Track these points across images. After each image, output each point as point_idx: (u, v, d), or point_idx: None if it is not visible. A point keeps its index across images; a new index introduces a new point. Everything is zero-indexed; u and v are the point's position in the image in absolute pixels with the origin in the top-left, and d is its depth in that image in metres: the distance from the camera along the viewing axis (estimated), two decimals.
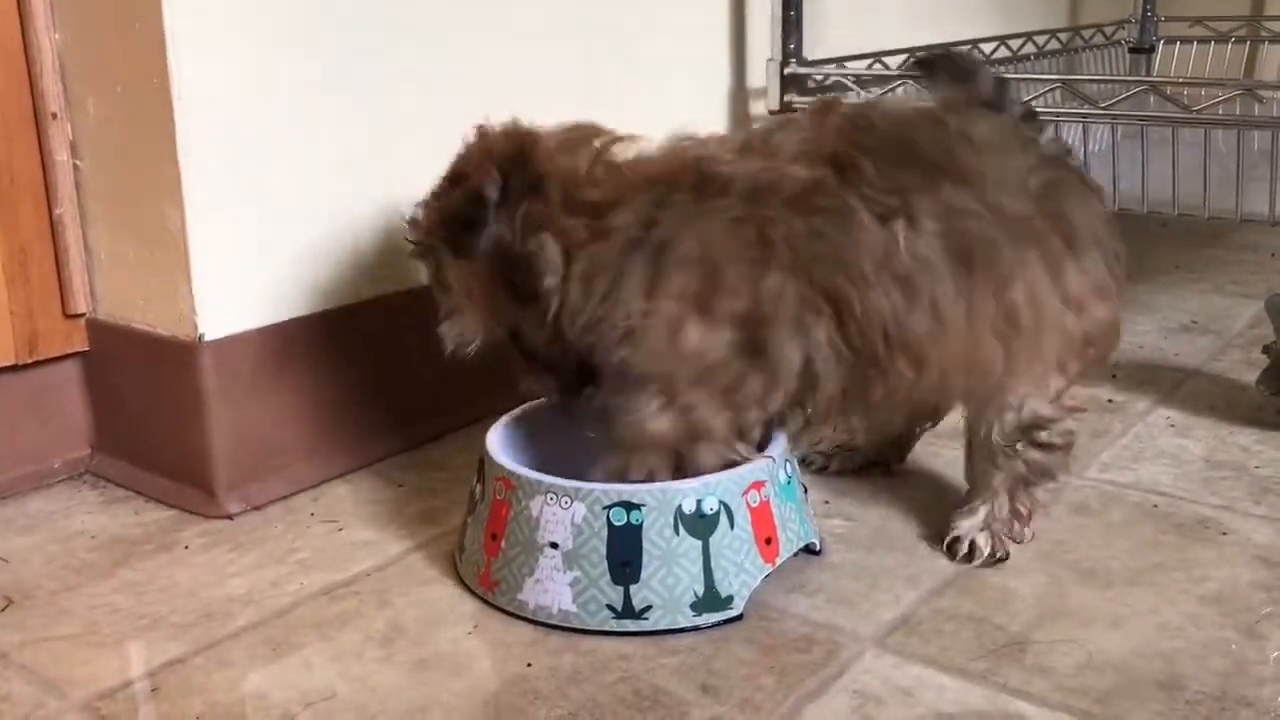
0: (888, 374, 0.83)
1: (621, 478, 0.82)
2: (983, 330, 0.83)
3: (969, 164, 0.83)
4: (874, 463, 1.05)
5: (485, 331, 0.88)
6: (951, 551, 0.90)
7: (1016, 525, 0.91)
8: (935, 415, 1.01)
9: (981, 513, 0.91)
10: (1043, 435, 0.89)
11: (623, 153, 0.86)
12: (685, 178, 0.82)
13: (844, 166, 0.81)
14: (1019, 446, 0.89)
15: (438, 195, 0.88)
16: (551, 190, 0.83)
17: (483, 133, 0.87)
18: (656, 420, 0.82)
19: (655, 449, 0.82)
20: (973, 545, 0.89)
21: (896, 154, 0.82)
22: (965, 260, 0.82)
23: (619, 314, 0.81)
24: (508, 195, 0.83)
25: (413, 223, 0.89)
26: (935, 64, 0.97)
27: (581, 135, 0.86)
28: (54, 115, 1.02)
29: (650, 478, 0.82)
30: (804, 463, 1.04)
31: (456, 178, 0.86)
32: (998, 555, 0.89)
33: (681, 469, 0.83)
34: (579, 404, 0.88)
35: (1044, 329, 0.84)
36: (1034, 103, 1.29)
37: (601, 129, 0.87)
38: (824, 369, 0.82)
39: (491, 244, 0.84)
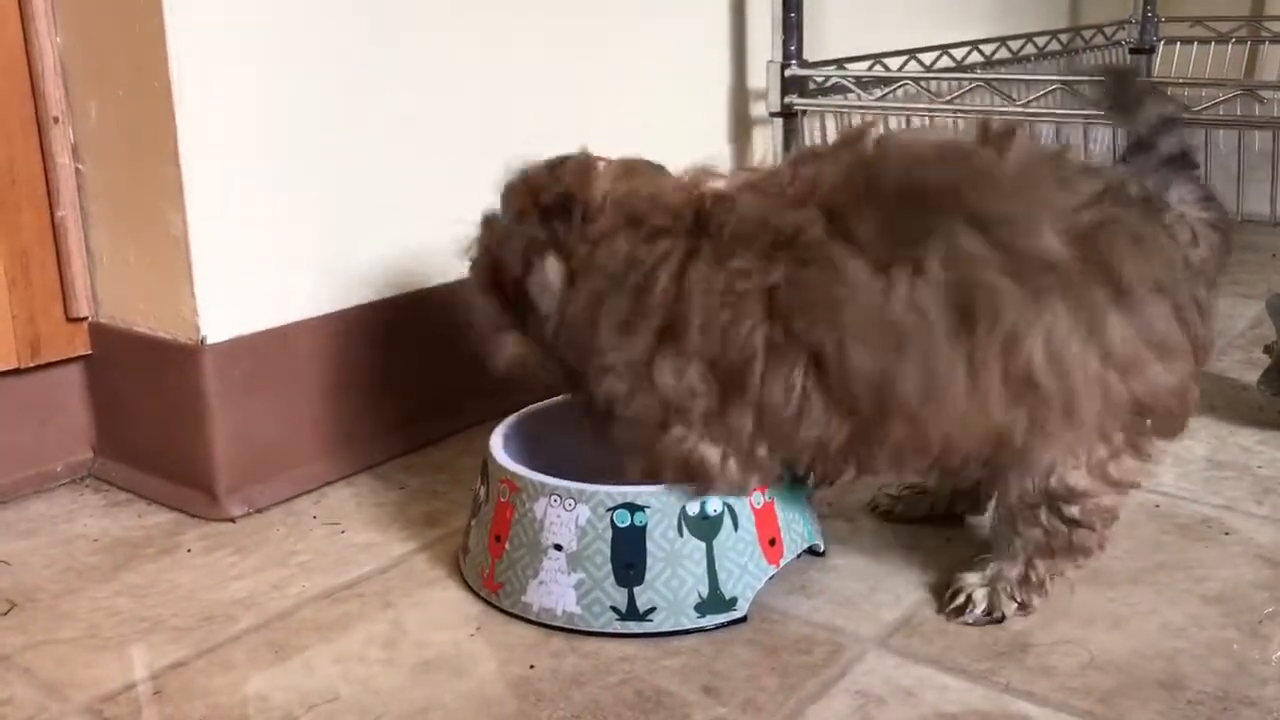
0: (883, 433, 0.76)
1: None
2: (990, 391, 0.74)
3: (988, 206, 0.74)
4: (945, 513, 0.95)
5: (533, 357, 0.86)
6: (947, 602, 0.82)
7: (1025, 592, 0.81)
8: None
9: (990, 570, 0.83)
10: (1072, 510, 0.79)
11: (645, 185, 0.83)
12: (684, 215, 0.80)
13: (837, 213, 0.76)
14: (1041, 515, 0.79)
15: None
16: (574, 247, 0.82)
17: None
18: (667, 449, 0.80)
19: (673, 477, 0.81)
20: (970, 599, 0.82)
21: (904, 197, 0.75)
22: (967, 313, 0.73)
23: (599, 347, 0.80)
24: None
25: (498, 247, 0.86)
26: (1105, 82, 0.86)
27: (630, 168, 0.85)
28: (56, 119, 1.02)
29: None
30: (871, 506, 0.98)
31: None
32: (994, 614, 0.81)
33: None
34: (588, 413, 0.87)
35: (1076, 390, 0.74)
36: (1035, 104, 1.29)
37: (653, 164, 0.86)
38: (810, 416, 0.77)
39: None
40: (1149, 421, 0.78)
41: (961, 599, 0.82)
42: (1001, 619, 0.81)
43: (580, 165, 0.84)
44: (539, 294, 0.82)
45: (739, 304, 0.76)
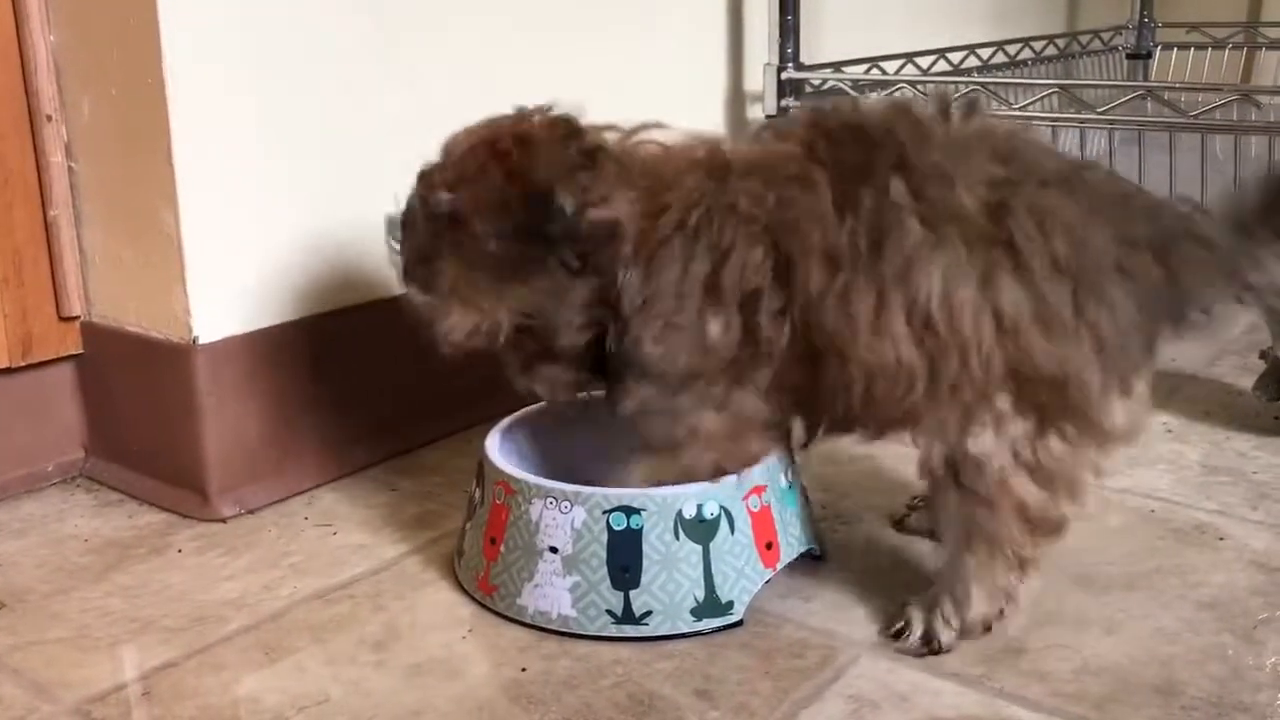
0: (825, 368, 0.77)
1: (663, 481, 0.81)
2: (893, 324, 0.74)
3: (919, 158, 0.76)
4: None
5: (490, 324, 0.82)
6: (887, 627, 0.81)
7: (960, 612, 0.79)
8: None
9: (930, 594, 0.81)
10: (978, 484, 0.76)
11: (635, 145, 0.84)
12: (701, 166, 0.81)
13: (810, 145, 0.79)
14: (952, 498, 0.77)
15: (467, 180, 0.81)
16: (606, 163, 0.80)
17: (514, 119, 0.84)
18: (707, 417, 0.80)
19: (710, 446, 0.81)
20: (908, 624, 0.80)
21: (853, 141, 0.78)
22: (878, 248, 0.75)
23: (660, 308, 0.78)
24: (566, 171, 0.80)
25: (420, 214, 0.82)
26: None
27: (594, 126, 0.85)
28: (49, 117, 1.01)
29: (715, 473, 0.81)
30: (896, 523, 0.96)
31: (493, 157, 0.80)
32: (931, 643, 0.78)
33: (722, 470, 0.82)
34: (596, 403, 0.86)
35: (968, 340, 0.73)
36: (1031, 108, 1.29)
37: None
38: (771, 341, 0.77)
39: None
40: (1058, 403, 0.75)
41: (901, 623, 0.80)
42: (939, 649, 0.78)
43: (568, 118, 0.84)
44: (624, 239, 0.78)
45: (750, 232, 0.77)
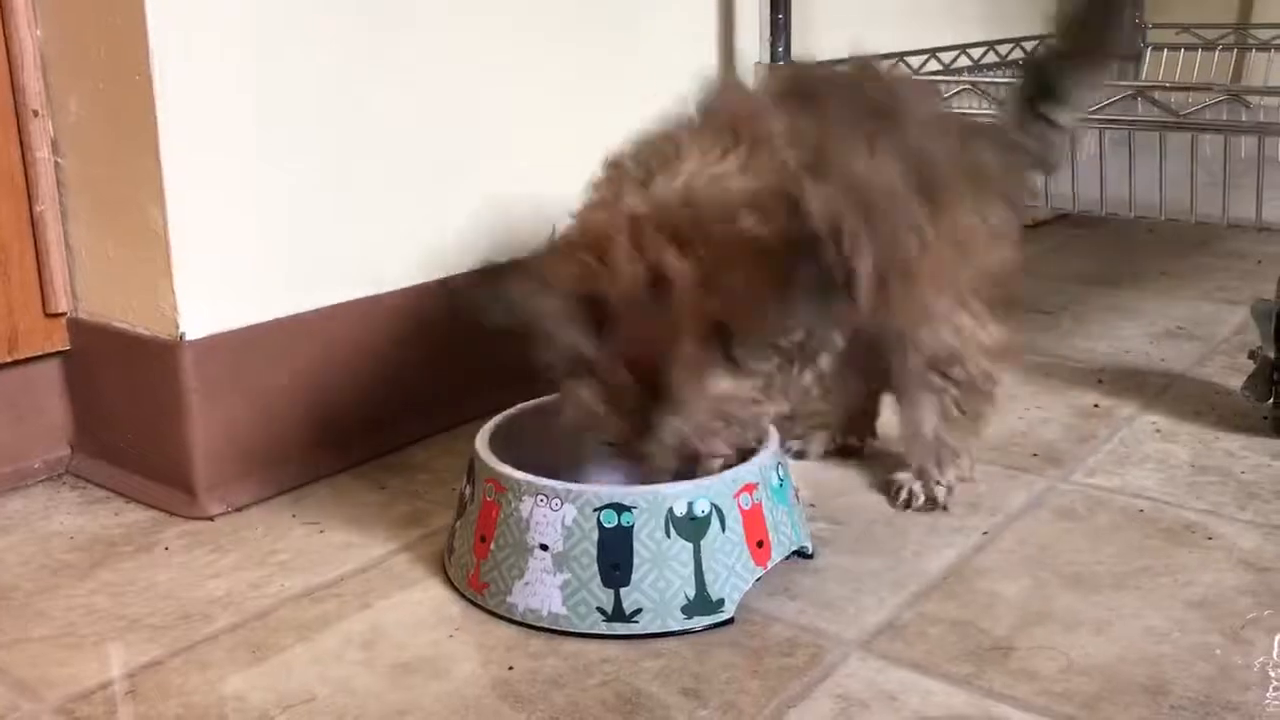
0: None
1: None
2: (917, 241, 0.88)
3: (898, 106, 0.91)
4: (848, 446, 1.09)
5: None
6: (895, 498, 0.99)
7: (944, 470, 0.98)
8: (885, 378, 1.01)
9: (914, 465, 0.99)
10: (955, 371, 0.95)
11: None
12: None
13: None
14: (935, 380, 0.95)
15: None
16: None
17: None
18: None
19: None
20: (910, 492, 0.98)
21: (836, 92, 0.92)
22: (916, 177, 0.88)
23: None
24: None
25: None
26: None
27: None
28: (35, 112, 1.01)
29: None
30: (790, 454, 1.06)
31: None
32: (935, 500, 0.98)
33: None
34: None
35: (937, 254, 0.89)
36: None
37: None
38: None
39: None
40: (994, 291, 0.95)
41: (905, 494, 0.98)
42: (941, 505, 0.97)
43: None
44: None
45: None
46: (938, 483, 0.98)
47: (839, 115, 0.86)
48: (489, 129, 1.17)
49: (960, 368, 0.95)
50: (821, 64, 1.01)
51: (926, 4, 1.80)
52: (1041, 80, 1.03)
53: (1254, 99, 1.22)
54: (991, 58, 1.77)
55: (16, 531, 0.97)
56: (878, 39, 1.59)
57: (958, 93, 1.34)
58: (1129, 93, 1.23)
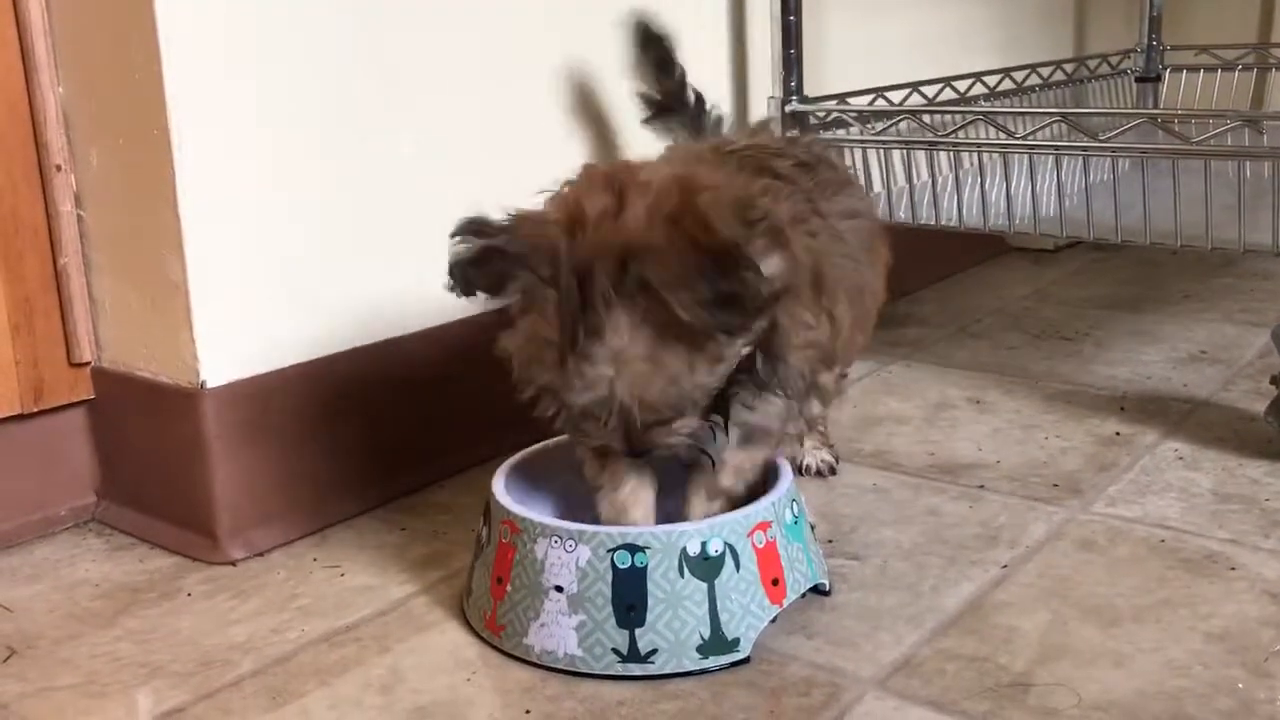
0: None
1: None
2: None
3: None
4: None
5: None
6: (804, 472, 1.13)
7: (825, 438, 1.15)
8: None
9: (805, 442, 1.13)
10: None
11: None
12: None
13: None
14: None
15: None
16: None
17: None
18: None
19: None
20: (811, 464, 1.14)
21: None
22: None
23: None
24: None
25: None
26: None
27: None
28: (58, 167, 1.03)
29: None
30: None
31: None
32: (830, 463, 1.14)
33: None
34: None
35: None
36: (1035, 136, 1.29)
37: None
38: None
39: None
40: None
41: (810, 465, 1.14)
42: (835, 470, 1.14)
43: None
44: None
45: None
46: (818, 446, 1.14)
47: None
48: (507, 166, 1.19)
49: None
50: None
51: (939, 33, 1.81)
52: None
53: (1271, 124, 1.22)
54: (1007, 85, 1.77)
55: (43, 579, 0.98)
56: (891, 70, 1.61)
57: (970, 123, 1.34)
58: (1141, 120, 1.22)
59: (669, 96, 1.19)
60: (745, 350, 0.79)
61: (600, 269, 0.72)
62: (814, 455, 1.14)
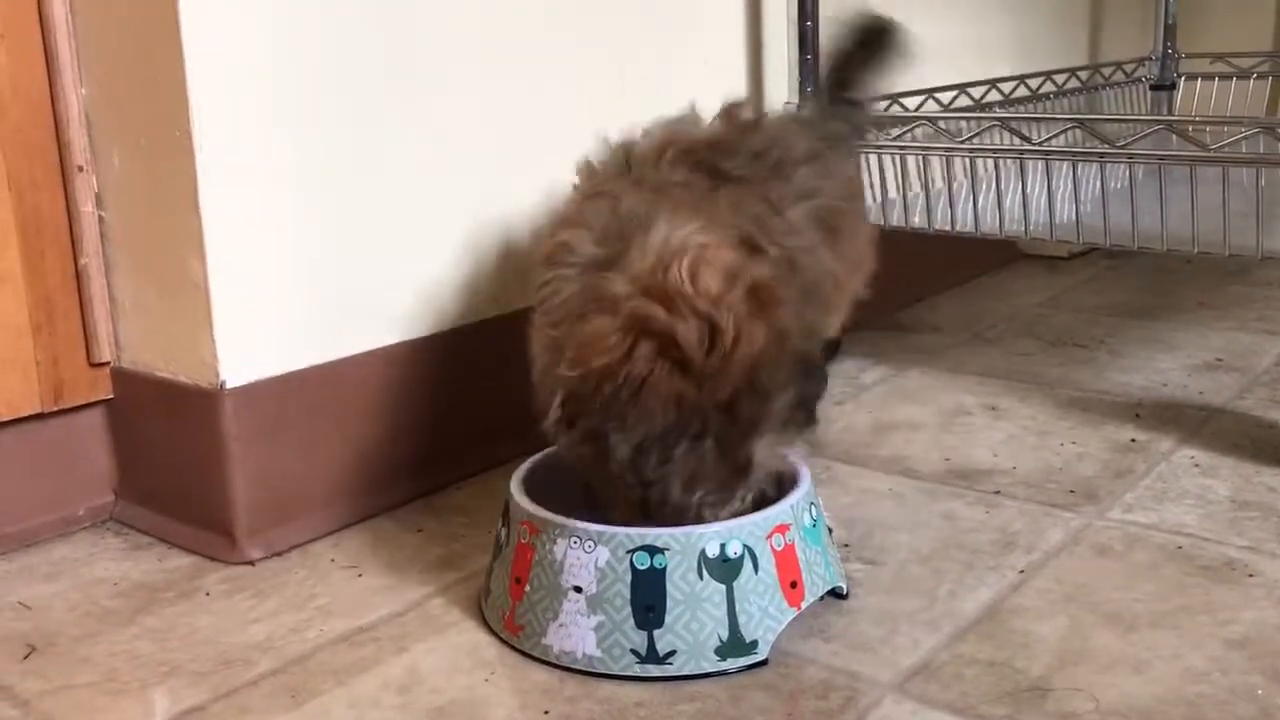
0: None
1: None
2: None
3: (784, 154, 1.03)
4: None
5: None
6: None
7: None
8: None
9: None
10: None
11: None
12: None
13: None
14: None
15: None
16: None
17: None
18: None
19: None
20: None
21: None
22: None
23: None
24: None
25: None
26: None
27: None
28: (80, 167, 1.03)
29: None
30: None
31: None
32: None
33: None
34: None
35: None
36: (1052, 142, 1.29)
37: None
38: None
39: None
40: None
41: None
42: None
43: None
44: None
45: None
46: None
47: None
48: (522, 172, 1.19)
49: None
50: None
51: (955, 39, 1.81)
52: (839, 76, 1.24)
53: None
54: (1022, 91, 1.77)
55: (62, 578, 0.99)
56: (906, 76, 1.61)
57: (988, 129, 1.34)
58: (1159, 126, 1.22)
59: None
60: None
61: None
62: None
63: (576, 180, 0.99)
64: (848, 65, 1.23)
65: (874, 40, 1.23)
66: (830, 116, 1.21)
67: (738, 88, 1.46)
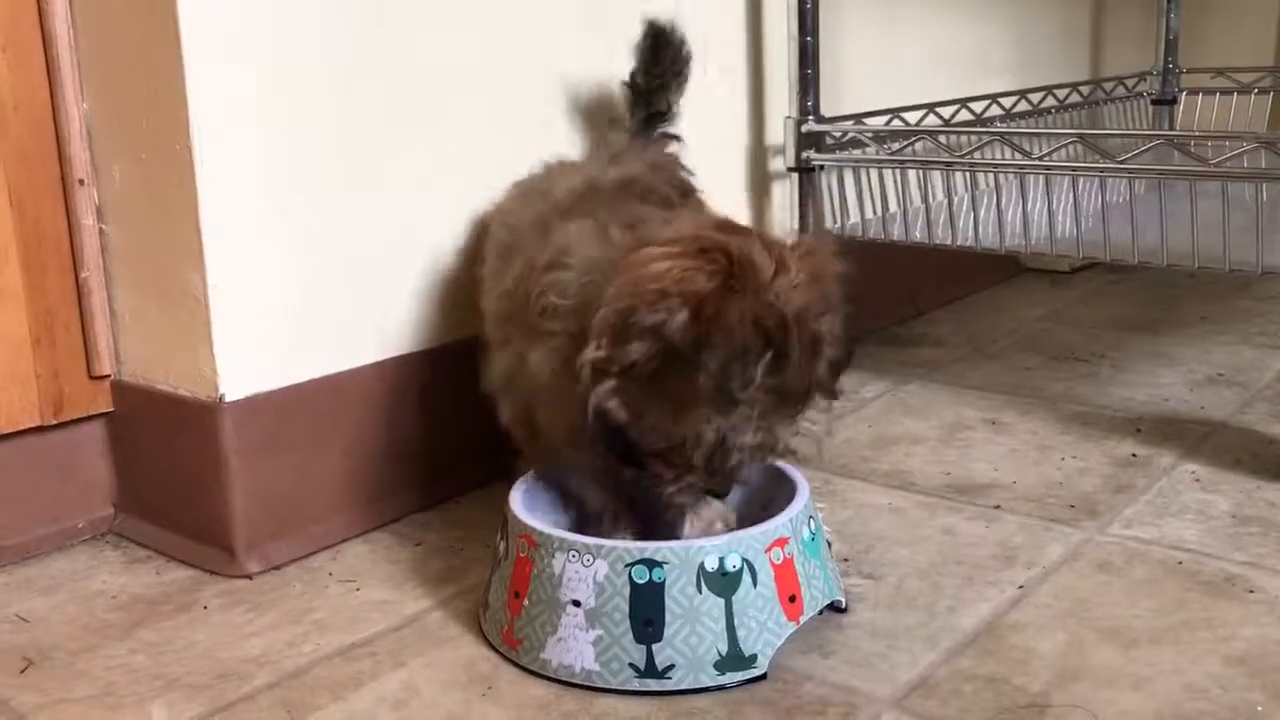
0: None
1: None
2: None
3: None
4: None
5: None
6: None
7: None
8: None
9: None
10: None
11: None
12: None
13: None
14: None
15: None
16: None
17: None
18: None
19: None
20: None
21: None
22: None
23: None
24: None
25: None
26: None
27: None
28: (81, 181, 1.04)
29: None
30: None
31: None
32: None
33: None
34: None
35: None
36: (1052, 157, 1.29)
37: None
38: None
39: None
40: None
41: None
42: None
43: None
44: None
45: None
46: None
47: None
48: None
49: None
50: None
51: (957, 54, 1.81)
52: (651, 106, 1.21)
53: None
54: (1024, 106, 1.77)
55: (59, 591, 0.99)
56: (907, 91, 1.61)
57: (989, 143, 1.34)
58: (1158, 142, 1.22)
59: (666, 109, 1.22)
60: None
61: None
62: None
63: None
64: (647, 84, 1.21)
65: (658, 48, 1.20)
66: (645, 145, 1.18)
67: (738, 102, 1.47)
